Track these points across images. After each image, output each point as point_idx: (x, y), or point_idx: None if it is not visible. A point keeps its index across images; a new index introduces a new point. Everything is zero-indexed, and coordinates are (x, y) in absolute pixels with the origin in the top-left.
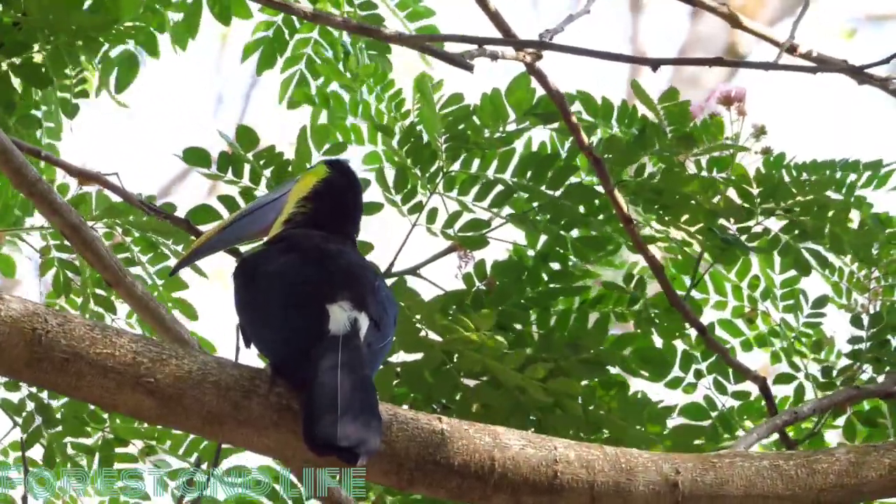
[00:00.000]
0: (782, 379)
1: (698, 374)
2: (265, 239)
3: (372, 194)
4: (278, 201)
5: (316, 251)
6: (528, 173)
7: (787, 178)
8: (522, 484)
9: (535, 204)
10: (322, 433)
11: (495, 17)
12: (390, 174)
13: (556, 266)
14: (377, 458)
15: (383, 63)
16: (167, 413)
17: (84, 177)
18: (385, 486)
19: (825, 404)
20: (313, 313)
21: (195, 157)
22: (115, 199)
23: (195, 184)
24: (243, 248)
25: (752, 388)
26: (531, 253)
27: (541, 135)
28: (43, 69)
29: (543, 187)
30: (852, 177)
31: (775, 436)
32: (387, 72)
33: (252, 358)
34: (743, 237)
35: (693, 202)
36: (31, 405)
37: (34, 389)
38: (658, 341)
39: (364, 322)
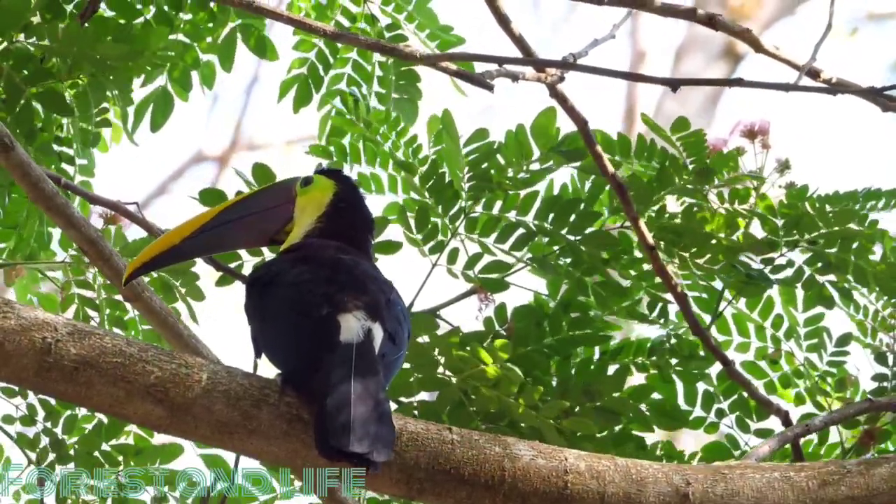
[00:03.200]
0: (806, 419)
1: (720, 414)
2: (281, 248)
3: (392, 233)
4: (269, 213)
5: (331, 261)
6: (550, 216)
7: (810, 210)
8: (532, 494)
9: (556, 248)
10: (335, 440)
11: (519, 42)
12: (411, 214)
13: (576, 315)
14: (387, 468)
15: (412, 79)
16: (177, 422)
17: (103, 204)
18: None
19: (837, 417)
20: (324, 324)
21: (211, 197)
22: (129, 234)
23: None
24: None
25: (774, 426)
26: (552, 303)
27: (562, 175)
28: (65, 98)
29: (565, 231)
30: (871, 204)
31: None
32: (400, 118)
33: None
34: (767, 269)
35: (714, 241)
36: (45, 440)
37: (49, 424)
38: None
39: (379, 333)
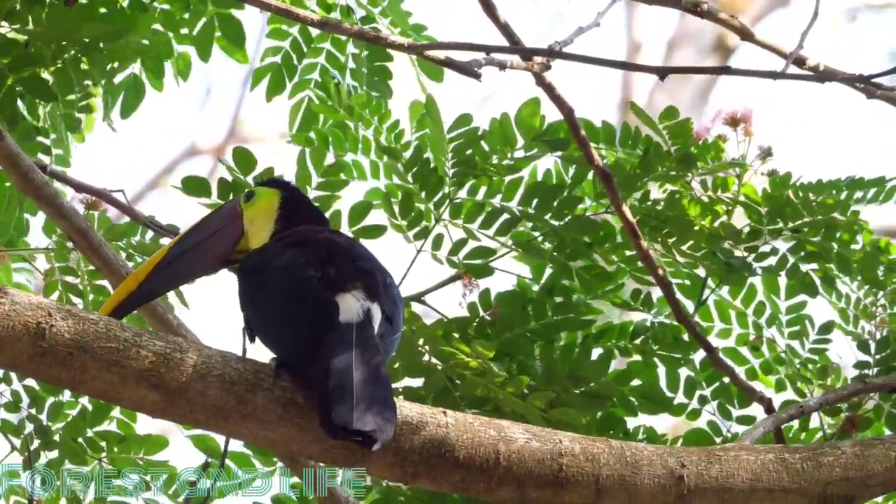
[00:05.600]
0: (788, 406)
1: (702, 400)
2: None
3: (375, 218)
4: (219, 235)
5: (326, 243)
6: (534, 202)
7: (793, 197)
8: (527, 477)
9: (539, 234)
10: (339, 417)
11: (505, 29)
12: (395, 200)
13: (560, 299)
14: (382, 452)
15: (384, 75)
16: (171, 407)
17: (89, 192)
18: (389, 480)
19: (832, 398)
20: (322, 305)
21: (194, 186)
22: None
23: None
24: None
25: (756, 413)
26: (535, 288)
27: (546, 161)
28: (49, 84)
29: (549, 216)
30: (857, 195)
31: None
32: (382, 102)
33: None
34: (751, 257)
35: (696, 228)
36: (30, 426)
37: (34, 411)
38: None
39: (377, 313)
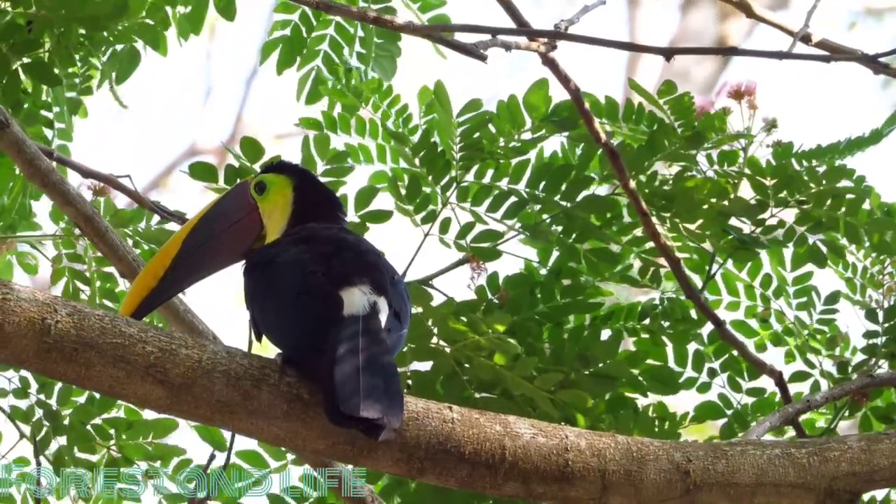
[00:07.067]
0: (798, 377)
1: (712, 373)
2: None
3: (383, 202)
4: (238, 228)
5: (334, 240)
6: (542, 184)
7: (798, 168)
8: (533, 472)
9: (547, 217)
10: (345, 405)
11: (509, 7)
12: (402, 184)
13: (568, 282)
14: (387, 447)
15: (393, 49)
16: (177, 402)
17: (96, 178)
18: (395, 475)
19: (838, 393)
20: (327, 299)
21: (201, 171)
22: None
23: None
24: None
25: (766, 385)
26: (544, 272)
27: (553, 142)
28: (52, 66)
29: (557, 198)
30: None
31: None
32: (392, 87)
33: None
34: (758, 230)
35: (705, 206)
36: (39, 412)
37: (42, 396)
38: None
39: (384, 307)
